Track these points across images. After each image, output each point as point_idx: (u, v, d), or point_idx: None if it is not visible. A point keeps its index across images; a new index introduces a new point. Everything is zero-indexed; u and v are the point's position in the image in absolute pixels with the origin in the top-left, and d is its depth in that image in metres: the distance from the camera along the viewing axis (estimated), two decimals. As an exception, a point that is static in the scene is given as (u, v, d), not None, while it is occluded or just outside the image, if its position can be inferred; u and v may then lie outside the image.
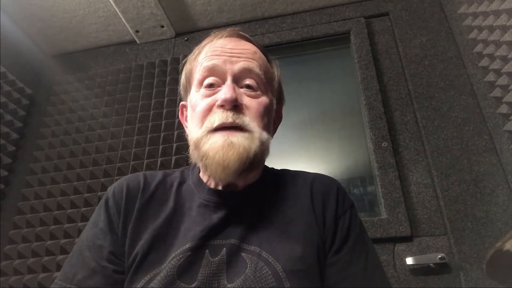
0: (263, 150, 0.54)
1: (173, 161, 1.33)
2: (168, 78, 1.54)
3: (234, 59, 0.57)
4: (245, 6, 1.57)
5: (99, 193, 1.34)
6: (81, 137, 1.49)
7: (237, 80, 0.57)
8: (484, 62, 1.19)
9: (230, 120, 0.52)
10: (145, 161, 1.36)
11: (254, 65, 0.58)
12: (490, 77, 1.15)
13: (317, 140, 1.46)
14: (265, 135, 0.55)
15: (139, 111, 1.49)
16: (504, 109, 1.09)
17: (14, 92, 1.54)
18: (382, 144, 1.24)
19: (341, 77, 1.54)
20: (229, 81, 0.56)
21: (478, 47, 1.22)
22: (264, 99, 0.58)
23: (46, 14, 1.58)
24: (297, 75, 1.59)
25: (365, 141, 1.34)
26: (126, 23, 1.59)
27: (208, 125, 0.53)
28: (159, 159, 1.35)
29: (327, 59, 1.59)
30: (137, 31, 1.64)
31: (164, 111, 1.46)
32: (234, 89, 0.54)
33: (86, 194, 1.35)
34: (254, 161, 0.53)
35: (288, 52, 1.60)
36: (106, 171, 1.39)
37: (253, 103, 0.56)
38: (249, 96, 0.56)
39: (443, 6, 1.44)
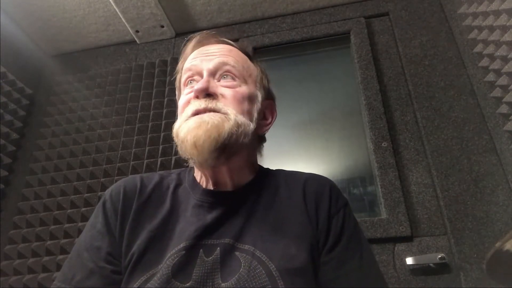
0: (240, 133, 0.54)
1: (173, 161, 1.33)
2: (168, 78, 1.55)
3: (210, 57, 0.60)
4: (245, 6, 1.57)
5: (99, 193, 1.34)
6: (81, 137, 1.49)
7: (213, 74, 0.60)
8: (484, 62, 1.19)
9: (203, 106, 0.55)
10: (145, 161, 1.36)
11: (229, 59, 0.60)
12: (490, 77, 1.15)
13: (317, 140, 1.46)
14: (242, 118, 0.56)
15: (139, 111, 1.49)
16: (504, 109, 1.09)
17: (14, 92, 1.54)
18: (382, 144, 1.24)
19: (341, 77, 1.54)
20: (205, 75, 0.58)
21: (478, 47, 1.22)
22: (242, 89, 0.59)
23: (46, 14, 1.58)
24: (297, 75, 1.59)
25: (365, 141, 1.34)
26: (126, 23, 1.59)
27: (184, 116, 0.56)
28: (159, 159, 1.35)
29: (327, 59, 1.59)
30: (137, 31, 1.64)
31: (164, 111, 1.46)
32: (208, 81, 0.57)
33: (86, 194, 1.35)
34: (229, 142, 0.53)
35: (288, 52, 1.60)
36: (106, 171, 1.39)
37: (229, 92, 0.58)
38: (225, 86, 0.58)
39: (443, 6, 1.44)
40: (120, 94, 1.56)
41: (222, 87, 0.58)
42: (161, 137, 1.40)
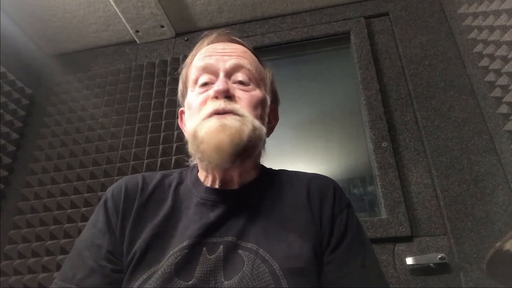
0: (256, 136, 0.55)
1: (173, 161, 1.33)
2: (168, 78, 1.54)
3: (226, 57, 0.60)
4: (245, 6, 1.57)
5: (99, 193, 1.34)
6: (81, 137, 1.49)
7: (229, 75, 0.59)
8: (484, 62, 1.19)
9: (222, 106, 0.54)
10: (145, 161, 1.36)
11: (245, 62, 0.61)
12: (490, 77, 1.15)
13: (317, 140, 1.46)
14: (257, 122, 0.56)
15: (139, 111, 1.49)
16: (504, 109, 1.09)
17: (14, 92, 1.54)
18: (382, 144, 1.24)
19: (341, 77, 1.54)
20: (221, 76, 0.58)
21: (478, 47, 1.22)
22: (256, 92, 0.60)
23: (46, 14, 1.58)
24: (297, 75, 1.59)
25: (365, 141, 1.34)
26: (126, 23, 1.59)
27: (202, 114, 0.55)
28: (159, 159, 1.35)
29: (327, 59, 1.59)
30: (137, 31, 1.64)
31: (164, 111, 1.46)
32: (226, 82, 0.57)
33: (86, 194, 1.35)
34: (248, 146, 0.53)
35: (288, 52, 1.60)
36: (106, 171, 1.39)
37: (245, 95, 0.58)
38: (241, 90, 0.59)
39: (443, 6, 1.44)
40: (120, 94, 1.56)
41: (239, 90, 0.58)
42: (161, 137, 1.40)
